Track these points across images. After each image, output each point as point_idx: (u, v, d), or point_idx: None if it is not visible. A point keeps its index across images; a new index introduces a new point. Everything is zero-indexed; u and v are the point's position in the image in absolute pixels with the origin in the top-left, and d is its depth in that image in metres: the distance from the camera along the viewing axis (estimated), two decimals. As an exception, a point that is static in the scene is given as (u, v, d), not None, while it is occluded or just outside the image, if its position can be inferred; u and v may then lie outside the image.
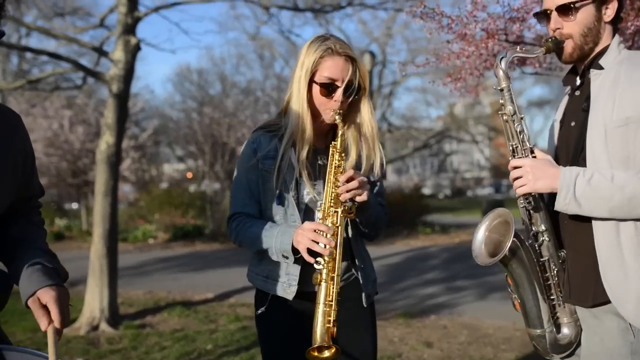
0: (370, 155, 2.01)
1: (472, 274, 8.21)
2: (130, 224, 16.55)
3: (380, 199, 2.08)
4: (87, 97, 15.80)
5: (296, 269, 1.92)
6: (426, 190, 51.62)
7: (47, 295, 1.37)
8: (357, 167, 1.97)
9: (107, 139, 5.89)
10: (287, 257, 1.88)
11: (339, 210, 1.84)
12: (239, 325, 5.57)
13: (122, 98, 6.00)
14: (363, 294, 2.02)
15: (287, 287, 1.94)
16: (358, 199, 1.85)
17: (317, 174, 1.98)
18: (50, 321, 1.36)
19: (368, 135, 2.02)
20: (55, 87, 7.91)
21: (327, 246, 1.77)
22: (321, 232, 1.79)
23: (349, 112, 1.98)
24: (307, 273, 1.88)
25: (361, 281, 2.01)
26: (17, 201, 1.53)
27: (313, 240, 1.78)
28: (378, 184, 2.07)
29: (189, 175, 25.90)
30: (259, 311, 2.02)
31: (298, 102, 1.93)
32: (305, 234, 1.80)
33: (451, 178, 57.68)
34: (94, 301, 5.76)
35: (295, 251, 1.85)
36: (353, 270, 2.01)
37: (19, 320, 6.07)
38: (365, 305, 2.03)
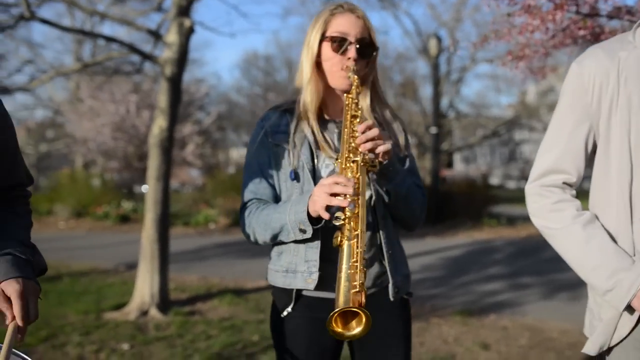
0: (392, 123, 1.83)
1: (538, 271, 7.76)
2: (193, 208, 16.75)
3: (414, 179, 1.82)
4: (153, 82, 15.98)
5: (315, 253, 1.68)
6: (494, 180, 50.40)
7: (11, 288, 1.24)
8: None
9: (160, 123, 5.81)
10: (304, 231, 1.62)
11: (358, 158, 1.57)
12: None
13: (176, 82, 5.89)
14: (390, 285, 1.72)
15: (307, 276, 1.69)
16: (380, 148, 1.59)
17: (336, 145, 1.76)
18: (14, 316, 1.22)
19: (384, 102, 1.86)
20: (114, 71, 7.94)
21: (347, 195, 1.50)
22: (340, 185, 1.52)
23: (364, 75, 1.78)
24: (329, 264, 1.61)
25: (388, 270, 1.72)
26: None
27: (331, 195, 1.52)
28: (408, 160, 1.82)
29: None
30: (286, 312, 1.75)
31: (308, 67, 1.77)
32: (321, 190, 1.54)
33: (521, 168, 55.98)
34: (144, 286, 5.72)
35: (313, 222, 1.59)
36: (380, 266, 1.74)
37: (73, 302, 6.14)
38: (392, 299, 1.73)
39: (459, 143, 31.90)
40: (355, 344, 1.79)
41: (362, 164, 1.57)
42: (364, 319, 1.38)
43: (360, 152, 1.58)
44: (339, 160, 1.60)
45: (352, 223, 1.49)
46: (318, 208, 1.55)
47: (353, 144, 1.59)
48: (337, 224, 1.50)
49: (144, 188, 19.75)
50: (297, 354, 1.74)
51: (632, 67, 1.42)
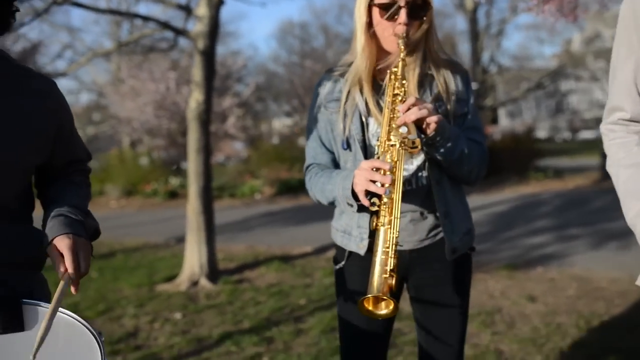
0: (448, 82, 1.77)
1: (586, 222, 7.63)
2: (238, 180, 16.97)
3: (473, 134, 1.77)
4: (190, 58, 16.10)
5: (365, 220, 1.73)
6: (542, 133, 49.28)
7: (62, 243, 1.32)
8: (438, 102, 1.74)
9: (196, 97, 5.89)
10: (352, 205, 1.67)
11: (396, 143, 1.57)
12: (334, 280, 5.47)
13: (209, 55, 5.94)
14: (446, 246, 1.75)
15: (359, 241, 1.76)
16: (424, 117, 1.56)
17: None
18: (66, 269, 1.31)
19: (440, 61, 1.79)
20: (149, 48, 8.04)
21: (384, 184, 1.51)
22: (379, 170, 1.54)
23: (418, 37, 1.73)
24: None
25: (444, 230, 1.74)
26: (54, 166, 1.54)
27: (370, 180, 1.54)
28: (469, 115, 1.79)
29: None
30: (338, 266, 1.87)
31: (358, 31, 1.74)
32: (361, 174, 1.56)
33: (569, 119, 54.50)
34: (193, 258, 5.87)
35: (357, 197, 1.62)
36: (436, 219, 1.76)
37: (127, 276, 6.36)
38: (449, 260, 1.77)
39: (502, 98, 31.21)
40: (411, 289, 1.85)
41: (400, 148, 1.57)
42: (391, 306, 1.52)
43: (400, 135, 1.57)
44: (379, 142, 1.61)
45: (387, 209, 1.54)
46: (358, 191, 1.58)
47: (394, 125, 1.59)
48: (373, 209, 1.55)
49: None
50: (353, 297, 1.81)
51: None
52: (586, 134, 47.97)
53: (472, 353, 3.49)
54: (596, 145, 31.33)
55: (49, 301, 1.27)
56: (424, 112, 1.56)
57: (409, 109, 1.56)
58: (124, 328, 4.50)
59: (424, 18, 1.71)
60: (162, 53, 11.32)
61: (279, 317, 4.48)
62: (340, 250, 1.87)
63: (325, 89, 1.81)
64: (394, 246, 1.52)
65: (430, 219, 1.76)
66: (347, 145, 1.74)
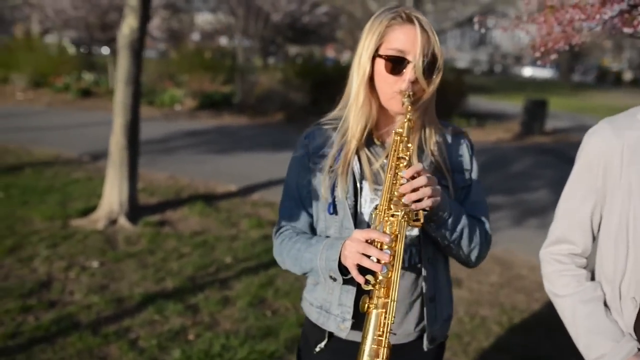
0: (450, 151, 1.60)
1: (508, 188, 7.84)
2: (158, 85, 16.18)
3: (476, 210, 1.61)
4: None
5: (350, 299, 1.53)
6: (462, 64, 50.06)
7: None
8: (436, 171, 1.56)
9: (130, 23, 5.36)
10: (335, 279, 1.47)
11: (399, 213, 1.37)
12: (261, 233, 5.37)
13: (148, -25, 5.39)
14: (425, 335, 1.58)
15: (340, 321, 1.56)
16: (424, 203, 1.38)
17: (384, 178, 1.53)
18: None
19: (441, 127, 1.61)
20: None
21: (381, 260, 1.33)
22: (375, 243, 1.35)
23: (422, 96, 1.52)
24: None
25: (426, 317, 1.57)
26: None
27: (363, 254, 1.34)
28: (471, 188, 1.63)
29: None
30: (318, 348, 1.61)
31: (357, 83, 1.52)
32: (354, 246, 1.36)
33: (490, 53, 55.51)
34: (113, 194, 5.55)
35: (344, 270, 1.43)
36: (421, 306, 1.58)
37: (38, 202, 5.96)
38: (425, 350, 1.60)
39: (433, 27, 31.21)
40: None
41: (402, 219, 1.37)
42: None
43: (402, 205, 1.38)
44: (378, 210, 1.41)
45: (382, 289, 1.34)
46: (349, 265, 1.38)
47: (395, 193, 1.39)
48: (366, 288, 1.35)
49: (104, 49, 18.91)
50: None
51: (634, 148, 1.39)
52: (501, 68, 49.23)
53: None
54: (515, 85, 32.12)
55: None
56: (436, 198, 1.40)
57: (414, 176, 1.38)
58: (36, 275, 4.23)
59: (433, 77, 1.50)
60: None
61: (204, 278, 4.35)
62: (315, 328, 1.64)
63: (315, 142, 1.59)
64: (387, 334, 1.34)
65: (416, 310, 1.59)
66: (334, 210, 1.54)
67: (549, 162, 10.42)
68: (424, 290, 1.57)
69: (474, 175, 1.65)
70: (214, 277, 4.38)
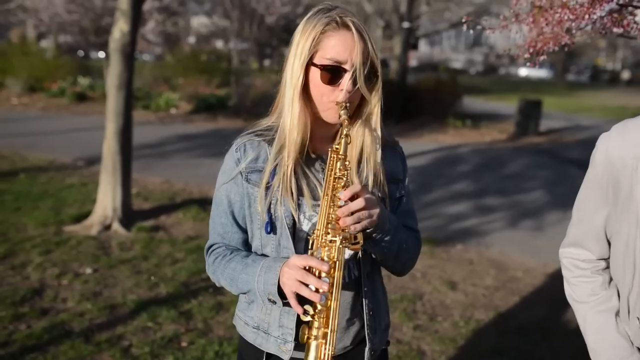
0: (385, 163, 1.53)
1: (502, 189, 7.84)
2: (153, 89, 16.16)
3: (409, 220, 1.59)
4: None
5: (291, 320, 1.48)
6: (457, 64, 50.14)
7: None
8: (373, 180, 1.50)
9: (121, 27, 5.34)
10: (274, 302, 1.41)
11: (338, 239, 1.31)
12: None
13: (139, -21, 5.37)
14: (366, 349, 1.53)
15: (281, 343, 1.49)
16: (363, 223, 1.33)
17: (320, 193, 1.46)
18: None
19: (376, 135, 1.50)
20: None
21: (320, 289, 1.27)
22: (313, 270, 1.30)
23: (358, 106, 1.46)
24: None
25: (367, 331, 1.53)
26: None
27: (301, 282, 1.29)
28: (404, 199, 1.59)
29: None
30: None
31: (291, 94, 1.43)
32: (291, 273, 1.31)
33: (485, 53, 55.60)
34: (106, 199, 5.52)
35: (283, 294, 1.37)
36: (360, 320, 1.54)
37: (31, 209, 5.94)
38: None
39: (427, 28, 31.24)
40: None
41: (340, 245, 1.31)
42: None
43: (340, 229, 1.32)
44: (315, 235, 1.35)
45: (322, 319, 1.30)
46: (287, 293, 1.33)
47: (333, 216, 1.33)
48: (305, 319, 1.30)
49: (100, 54, 18.90)
50: None
51: None
52: (501, 71, 49.35)
53: (395, 351, 3.50)
54: (509, 86, 32.10)
55: None
56: (373, 219, 1.35)
57: (353, 197, 1.33)
58: (29, 282, 4.20)
59: (372, 85, 1.43)
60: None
61: (198, 284, 4.32)
62: (251, 349, 1.56)
63: (247, 155, 1.50)
64: None
65: (357, 324, 1.55)
66: (272, 229, 1.47)
67: (544, 162, 10.41)
68: (364, 305, 1.53)
69: (406, 184, 1.62)
70: (208, 282, 4.35)
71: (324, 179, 1.43)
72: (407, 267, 1.60)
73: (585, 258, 1.50)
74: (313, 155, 1.50)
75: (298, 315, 1.43)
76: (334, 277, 1.30)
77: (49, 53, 18.42)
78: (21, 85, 15.97)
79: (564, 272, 1.57)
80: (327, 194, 1.35)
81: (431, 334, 3.75)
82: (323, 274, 1.29)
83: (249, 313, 1.56)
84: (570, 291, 1.55)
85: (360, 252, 1.49)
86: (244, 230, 1.54)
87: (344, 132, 1.37)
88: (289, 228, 1.45)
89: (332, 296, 1.30)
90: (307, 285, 1.28)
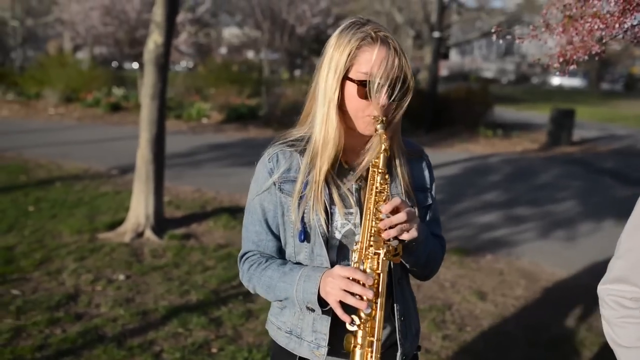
0: (415, 172, 1.59)
1: (533, 199, 7.75)
2: (185, 98, 16.39)
3: (435, 228, 1.63)
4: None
5: (325, 326, 1.50)
6: (488, 74, 49.72)
7: None
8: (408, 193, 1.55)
9: (155, 39, 5.46)
10: (313, 310, 1.44)
11: (381, 252, 1.35)
12: None
13: (173, -8, 5.48)
14: (398, 353, 1.56)
15: (314, 348, 1.52)
16: (405, 235, 1.37)
17: (354, 200, 1.51)
18: None
19: (404, 148, 1.57)
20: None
21: (365, 298, 1.31)
22: (357, 281, 1.33)
23: (392, 120, 1.49)
24: (340, 329, 1.42)
25: (398, 336, 1.55)
26: None
27: (346, 291, 1.33)
28: (430, 209, 1.63)
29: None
30: None
31: (325, 107, 1.46)
32: (336, 283, 1.34)
33: (517, 62, 55.10)
34: (139, 207, 5.63)
35: (323, 302, 1.41)
36: (391, 325, 1.56)
37: (68, 216, 6.07)
38: None
39: (458, 38, 31.14)
40: None
41: (384, 258, 1.35)
42: None
43: (384, 242, 1.36)
44: (358, 247, 1.39)
45: (367, 328, 1.33)
46: (332, 302, 1.36)
47: (376, 229, 1.37)
48: (351, 329, 1.33)
49: (134, 65, 19.34)
50: None
51: None
52: (533, 80, 48.77)
53: (423, 361, 3.50)
54: (542, 95, 31.67)
55: None
56: (414, 232, 1.38)
57: (394, 211, 1.36)
58: (64, 287, 4.30)
59: (403, 100, 1.47)
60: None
61: (228, 291, 4.37)
62: (284, 354, 1.59)
63: (279, 165, 1.54)
64: None
65: (388, 326, 1.57)
66: (305, 238, 1.49)
67: (576, 173, 10.27)
68: (395, 310, 1.55)
69: (433, 192, 1.64)
70: (238, 290, 4.40)
71: (354, 188, 1.50)
72: (433, 273, 1.64)
73: (633, 296, 1.36)
74: (345, 166, 1.54)
75: (332, 321, 1.48)
76: (378, 288, 1.34)
77: (84, 64, 18.84)
78: (58, 96, 16.34)
79: (605, 312, 1.42)
80: (369, 208, 1.39)
81: (460, 344, 3.73)
82: (367, 285, 1.32)
83: (282, 318, 1.60)
84: (613, 334, 1.40)
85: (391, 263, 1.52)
86: (278, 238, 1.57)
87: (382, 147, 1.41)
88: (322, 237, 1.48)
89: (377, 305, 1.33)
90: (352, 294, 1.32)
